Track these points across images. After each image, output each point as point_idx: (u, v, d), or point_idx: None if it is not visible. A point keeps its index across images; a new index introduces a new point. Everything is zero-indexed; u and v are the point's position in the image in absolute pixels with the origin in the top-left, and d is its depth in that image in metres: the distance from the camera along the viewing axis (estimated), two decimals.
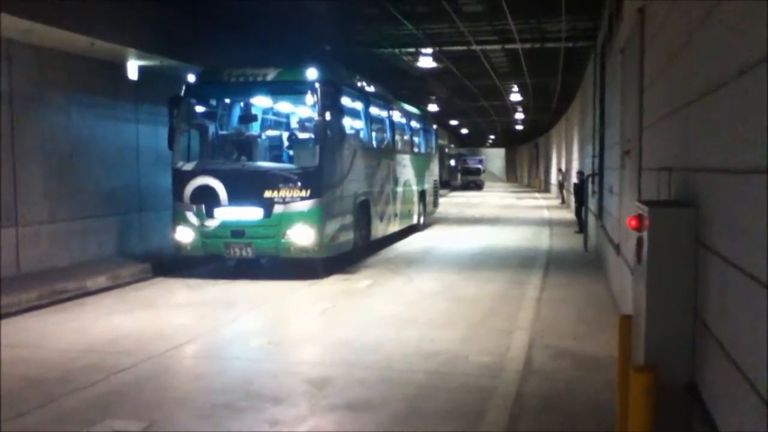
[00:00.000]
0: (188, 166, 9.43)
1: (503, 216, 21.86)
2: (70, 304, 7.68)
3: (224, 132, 10.42)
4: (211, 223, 9.15)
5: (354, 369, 5.23)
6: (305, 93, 9.34)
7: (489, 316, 7.06)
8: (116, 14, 9.53)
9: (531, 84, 24.00)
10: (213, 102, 10.22)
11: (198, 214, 9.18)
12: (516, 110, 34.42)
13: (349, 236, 10.07)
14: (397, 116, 14.09)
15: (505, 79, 23.20)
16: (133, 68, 10.68)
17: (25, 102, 9.04)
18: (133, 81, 10.83)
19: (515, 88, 25.69)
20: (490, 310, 7.32)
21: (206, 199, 9.12)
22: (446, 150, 51.95)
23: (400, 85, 21.18)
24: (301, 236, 8.93)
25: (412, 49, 17.10)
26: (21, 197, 8.89)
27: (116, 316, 7.01)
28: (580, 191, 15.45)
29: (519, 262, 11.07)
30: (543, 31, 15.72)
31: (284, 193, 8.96)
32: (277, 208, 8.97)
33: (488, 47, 17.21)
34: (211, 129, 10.21)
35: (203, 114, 10.12)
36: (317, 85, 9.11)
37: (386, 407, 4.41)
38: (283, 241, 8.97)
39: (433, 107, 29.47)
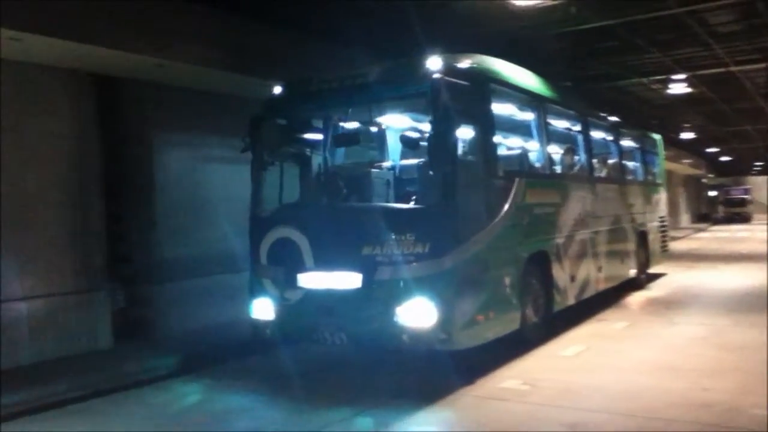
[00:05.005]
0: (266, 213, 6.86)
1: None
2: None
3: (314, 161, 7.39)
4: (293, 295, 6.38)
5: (614, 416, 5.00)
6: (425, 94, 6.07)
7: None
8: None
9: None
10: (303, 120, 7.36)
11: (276, 282, 6.51)
12: None
13: (509, 311, 6.72)
14: (596, 132, 10.21)
15: None
16: None
17: (161, 145, 9.08)
18: None
19: None
20: None
21: (287, 259, 6.41)
22: (703, 180, 48.01)
23: (648, 115, 20.07)
24: (419, 317, 5.73)
25: (661, 77, 16.18)
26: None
27: None
28: None
29: None
30: None
31: (392, 248, 5.86)
32: (382, 272, 5.87)
33: (749, 67, 15.66)
34: (300, 158, 7.42)
35: (292, 138, 7.28)
36: (443, 81, 5.90)
37: None
38: (391, 323, 5.82)
39: (687, 135, 27.47)
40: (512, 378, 6.21)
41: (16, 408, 5.88)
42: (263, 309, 6.59)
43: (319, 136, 7.24)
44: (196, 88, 9.03)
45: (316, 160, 7.33)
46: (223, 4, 8.46)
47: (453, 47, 6.71)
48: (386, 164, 7.75)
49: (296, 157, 7.35)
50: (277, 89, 7.07)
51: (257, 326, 6.70)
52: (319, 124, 7.29)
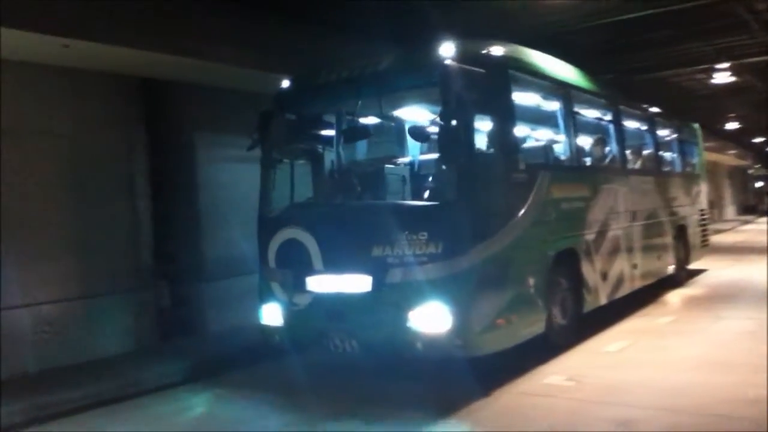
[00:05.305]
0: (274, 213, 6.57)
1: None
2: None
3: (326, 157, 7.08)
4: (301, 300, 6.11)
5: (662, 412, 4.95)
6: (436, 82, 5.63)
7: None
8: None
9: None
10: (313, 115, 6.95)
11: (285, 286, 6.25)
12: None
13: (534, 314, 6.31)
14: (629, 121, 9.76)
15: None
16: None
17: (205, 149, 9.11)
18: None
19: None
20: None
21: (295, 261, 6.12)
22: (749, 171, 46.91)
23: (690, 105, 19.67)
24: (433, 322, 5.39)
25: (704, 66, 15.84)
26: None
27: None
28: None
29: None
30: None
31: (403, 248, 5.49)
32: (393, 275, 5.53)
33: None
34: (312, 155, 7.14)
35: (302, 134, 6.95)
36: (455, 67, 5.48)
37: None
38: (403, 329, 5.48)
39: (731, 125, 26.86)
40: (556, 374, 6.15)
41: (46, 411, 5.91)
42: (272, 314, 6.33)
43: (330, 131, 6.89)
44: (234, 88, 9.17)
45: (329, 157, 6.97)
46: (252, 3, 8.52)
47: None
48: (404, 160, 7.47)
49: (307, 154, 7.07)
50: (285, 83, 6.80)
51: (266, 332, 6.45)
52: (330, 118, 6.90)
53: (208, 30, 8.07)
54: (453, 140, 5.44)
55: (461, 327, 5.37)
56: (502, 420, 5.11)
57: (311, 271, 5.99)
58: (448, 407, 5.37)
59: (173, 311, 8.60)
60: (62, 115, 7.70)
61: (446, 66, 5.49)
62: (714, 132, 24.90)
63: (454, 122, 5.42)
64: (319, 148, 7.05)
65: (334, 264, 5.88)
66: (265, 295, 6.41)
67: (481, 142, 6.11)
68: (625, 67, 14.78)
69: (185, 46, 7.73)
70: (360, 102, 6.32)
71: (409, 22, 9.38)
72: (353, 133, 6.68)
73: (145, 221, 8.50)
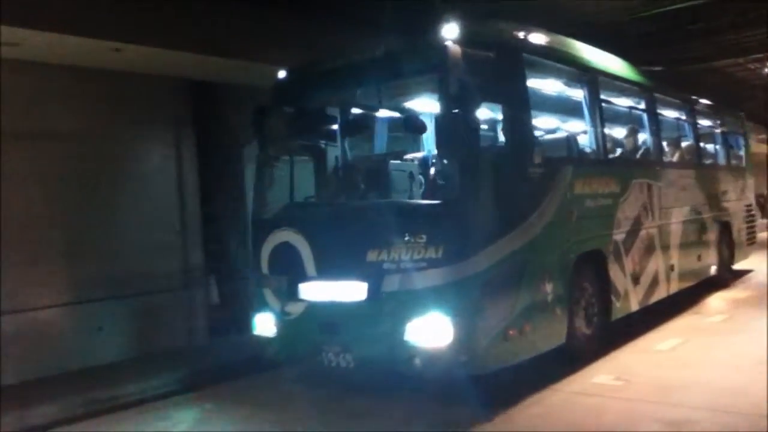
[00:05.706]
0: (267, 214, 6.05)
1: None
2: None
3: (329, 153, 6.64)
4: (294, 309, 5.62)
5: (717, 413, 4.82)
6: (437, 67, 5.10)
7: None
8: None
9: None
10: (312, 108, 6.40)
11: (278, 293, 5.74)
12: None
13: (552, 323, 5.72)
14: (666, 110, 9.01)
15: None
16: None
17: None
18: None
19: None
20: None
21: (288, 267, 5.64)
22: None
23: (744, 96, 19.11)
24: (433, 335, 4.86)
25: (758, 56, 15.38)
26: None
27: None
28: None
29: None
30: None
31: (400, 253, 4.99)
32: (390, 282, 5.02)
33: None
34: (312, 151, 6.69)
35: (300, 128, 6.29)
36: (459, 51, 4.93)
37: None
38: (400, 343, 4.96)
39: None
40: (605, 373, 6.00)
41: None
42: (265, 324, 5.84)
43: (329, 125, 6.48)
44: None
45: (330, 153, 6.58)
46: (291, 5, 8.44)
47: None
48: (417, 155, 6.93)
49: (305, 150, 6.60)
50: (281, 74, 6.28)
51: (260, 343, 5.96)
52: (329, 110, 6.48)
53: (248, 30, 7.98)
54: (455, 131, 4.85)
55: (465, 340, 4.82)
56: (550, 419, 4.97)
57: (304, 278, 5.52)
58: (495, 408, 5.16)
59: (223, 309, 8.74)
60: (114, 117, 7.80)
61: (447, 48, 4.94)
62: None
63: (456, 111, 4.84)
64: (320, 143, 6.60)
65: (328, 269, 5.42)
66: (257, 303, 5.93)
67: (490, 133, 5.69)
68: (678, 57, 14.45)
69: (229, 48, 7.71)
70: (359, 92, 5.96)
71: (442, 18, 9.30)
72: (351, 127, 6.34)
73: (195, 220, 8.65)
